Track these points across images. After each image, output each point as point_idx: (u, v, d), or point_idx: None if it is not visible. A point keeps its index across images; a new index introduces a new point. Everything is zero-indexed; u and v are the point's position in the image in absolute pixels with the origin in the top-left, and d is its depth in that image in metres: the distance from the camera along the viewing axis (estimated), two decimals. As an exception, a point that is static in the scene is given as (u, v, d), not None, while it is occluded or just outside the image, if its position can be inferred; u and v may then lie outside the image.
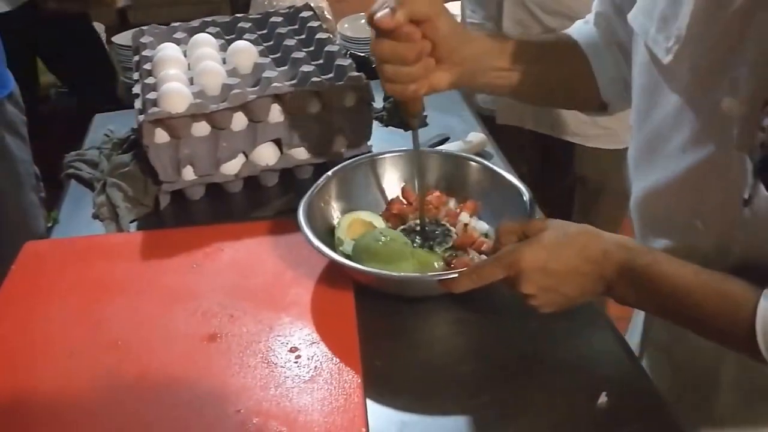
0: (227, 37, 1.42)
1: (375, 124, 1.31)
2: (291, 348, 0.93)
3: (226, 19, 1.48)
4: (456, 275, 0.90)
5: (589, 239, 0.85)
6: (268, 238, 1.12)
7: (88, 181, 1.30)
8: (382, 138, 1.30)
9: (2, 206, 1.72)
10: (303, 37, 1.38)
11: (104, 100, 1.47)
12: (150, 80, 1.24)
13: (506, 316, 0.97)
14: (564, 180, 1.71)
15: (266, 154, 1.24)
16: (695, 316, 0.79)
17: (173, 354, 0.94)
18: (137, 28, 1.46)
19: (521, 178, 1.09)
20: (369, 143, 1.29)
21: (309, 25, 1.39)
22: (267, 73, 1.23)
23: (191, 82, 1.25)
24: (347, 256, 1.02)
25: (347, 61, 1.26)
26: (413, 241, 1.05)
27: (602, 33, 1.03)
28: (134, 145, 1.33)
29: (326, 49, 1.30)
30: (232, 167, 1.24)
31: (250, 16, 1.49)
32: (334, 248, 1.03)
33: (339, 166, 1.14)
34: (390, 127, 1.40)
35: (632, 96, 0.94)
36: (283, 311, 0.99)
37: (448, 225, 1.07)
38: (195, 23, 1.46)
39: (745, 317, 0.74)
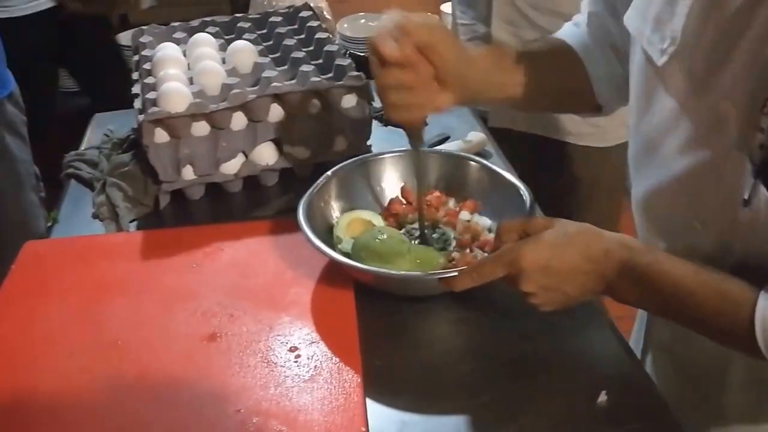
0: (227, 37, 1.42)
1: (374, 123, 1.31)
2: (291, 347, 0.93)
3: (226, 18, 1.48)
4: (456, 273, 0.90)
5: (591, 238, 0.85)
6: (268, 238, 1.12)
7: (87, 180, 1.30)
8: (381, 138, 1.30)
9: (2, 206, 1.72)
10: (302, 36, 1.39)
11: (118, 100, 1.48)
12: (150, 80, 1.24)
13: (506, 316, 0.97)
14: (557, 180, 1.71)
15: (266, 154, 1.24)
16: (696, 316, 0.79)
17: (173, 354, 0.94)
18: (137, 28, 1.46)
19: (531, 184, 1.09)
20: (369, 143, 1.29)
21: (308, 24, 1.39)
22: (266, 73, 1.23)
23: (191, 81, 1.25)
24: (346, 255, 1.02)
25: (347, 61, 1.26)
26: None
27: (594, 33, 1.04)
28: (134, 144, 1.33)
29: (326, 48, 1.30)
30: (232, 167, 1.24)
31: (250, 16, 1.49)
32: (332, 247, 1.03)
33: (339, 165, 1.14)
34: (389, 127, 1.40)
35: (629, 97, 0.93)
36: (283, 311, 0.99)
37: (446, 229, 1.07)
38: (194, 23, 1.46)
39: (744, 316, 0.74)
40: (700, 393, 0.94)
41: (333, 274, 1.03)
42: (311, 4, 1.51)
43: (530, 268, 0.84)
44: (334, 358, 0.91)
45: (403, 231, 1.09)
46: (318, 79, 1.22)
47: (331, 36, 1.36)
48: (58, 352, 0.95)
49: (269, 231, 1.13)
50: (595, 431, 0.84)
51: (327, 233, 1.07)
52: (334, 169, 1.13)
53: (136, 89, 1.28)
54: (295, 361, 0.91)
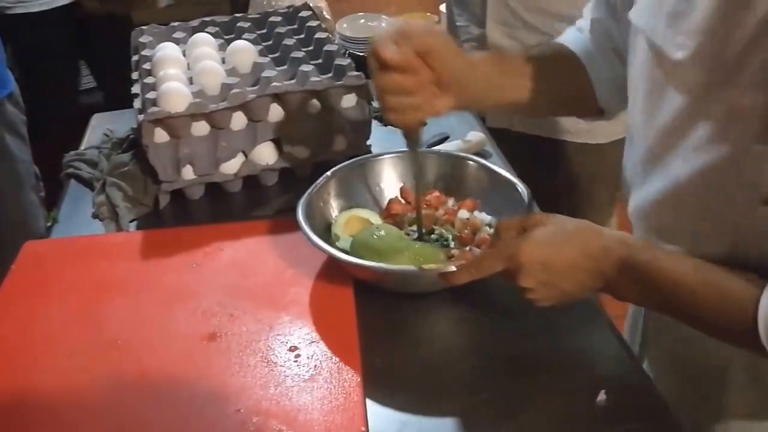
0: (226, 37, 1.42)
1: (374, 123, 1.31)
2: (291, 347, 0.93)
3: (226, 18, 1.48)
4: (455, 268, 0.90)
5: (590, 235, 0.85)
6: (268, 238, 1.12)
7: (87, 180, 1.31)
8: (381, 137, 1.30)
9: (2, 206, 1.72)
10: (302, 36, 1.39)
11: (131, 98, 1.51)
12: (149, 80, 1.24)
13: (506, 315, 0.97)
14: (555, 178, 1.71)
15: (266, 154, 1.24)
16: (696, 313, 0.79)
17: (173, 353, 0.94)
18: (137, 28, 1.46)
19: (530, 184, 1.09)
20: (368, 143, 1.29)
21: (308, 24, 1.40)
22: (266, 73, 1.23)
23: (191, 81, 1.25)
24: (344, 252, 1.02)
25: (346, 61, 1.26)
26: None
27: (597, 39, 1.03)
28: (134, 144, 1.34)
29: (325, 48, 1.30)
30: (232, 166, 1.24)
31: (249, 16, 1.49)
32: (330, 245, 1.03)
33: (338, 165, 1.14)
34: (389, 127, 1.40)
35: (631, 99, 0.92)
36: (283, 310, 0.99)
37: (444, 230, 1.07)
38: (194, 23, 1.46)
39: (746, 314, 0.74)
40: (700, 393, 0.94)
41: (332, 274, 1.03)
42: (311, 4, 1.52)
43: (528, 263, 0.84)
44: (333, 357, 0.91)
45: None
46: (318, 78, 1.22)
47: (330, 36, 1.36)
48: (58, 352, 0.95)
49: (269, 231, 1.13)
50: (594, 430, 0.84)
51: (326, 232, 1.08)
52: (333, 169, 1.13)
53: (135, 89, 1.28)
54: (295, 361, 0.91)
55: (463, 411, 0.87)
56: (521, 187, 1.05)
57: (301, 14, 1.44)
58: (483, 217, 1.08)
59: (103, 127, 1.45)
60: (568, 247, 0.84)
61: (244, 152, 1.24)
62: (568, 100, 1.08)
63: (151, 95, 1.19)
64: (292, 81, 1.24)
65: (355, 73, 1.23)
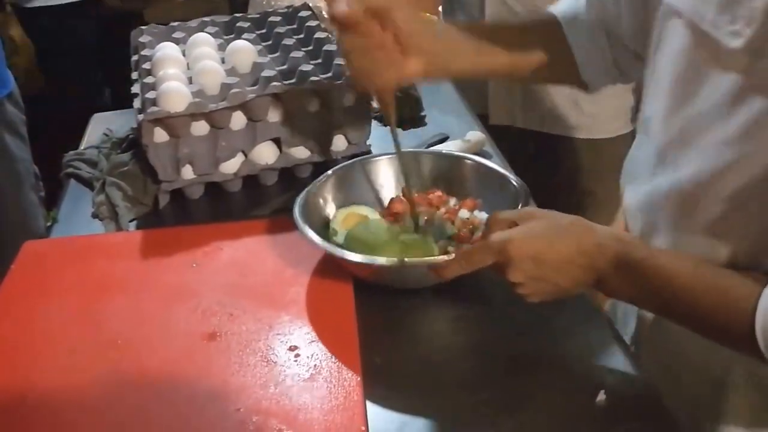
0: (226, 37, 1.43)
1: (374, 123, 1.31)
2: (290, 346, 0.93)
3: (225, 18, 1.49)
4: (444, 260, 0.90)
5: (584, 231, 0.84)
6: (268, 237, 1.12)
7: (87, 180, 1.31)
8: (381, 137, 1.31)
9: (2, 205, 1.72)
10: (301, 36, 1.39)
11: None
12: (149, 79, 1.24)
13: (506, 313, 0.98)
14: (559, 175, 1.72)
15: (265, 153, 1.24)
16: (692, 313, 0.78)
17: (173, 352, 0.94)
18: (137, 28, 1.46)
19: (530, 182, 1.09)
20: (368, 142, 1.29)
21: (307, 24, 1.40)
22: (266, 72, 1.23)
23: (190, 81, 1.25)
24: (340, 246, 1.03)
25: (346, 61, 1.26)
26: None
27: (589, 14, 1.02)
28: (133, 144, 1.34)
29: (325, 48, 1.30)
30: (232, 166, 1.24)
31: (249, 16, 1.49)
32: (328, 240, 1.04)
33: (338, 165, 1.15)
34: (389, 127, 1.40)
35: (652, 87, 0.89)
36: (283, 310, 0.99)
37: (443, 225, 1.07)
38: (194, 23, 1.46)
39: (744, 314, 0.73)
40: (693, 394, 0.93)
41: (332, 273, 1.03)
42: (310, 4, 1.52)
43: (519, 257, 0.83)
44: (333, 356, 0.91)
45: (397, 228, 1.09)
46: (317, 78, 1.22)
47: (330, 36, 1.36)
48: (57, 351, 0.95)
49: (268, 230, 1.14)
50: (593, 429, 0.84)
51: (324, 229, 1.08)
52: (333, 168, 1.14)
53: (135, 89, 1.28)
54: (295, 360, 0.91)
55: (463, 410, 0.87)
56: (520, 185, 1.06)
57: (300, 14, 1.44)
58: (483, 216, 1.08)
59: (102, 127, 1.45)
60: (560, 241, 0.83)
61: (243, 152, 1.24)
62: (543, 67, 1.05)
63: (150, 95, 1.19)
64: (292, 81, 1.24)
65: (355, 72, 1.23)
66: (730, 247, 0.80)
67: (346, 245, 1.02)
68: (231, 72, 1.27)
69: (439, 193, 1.13)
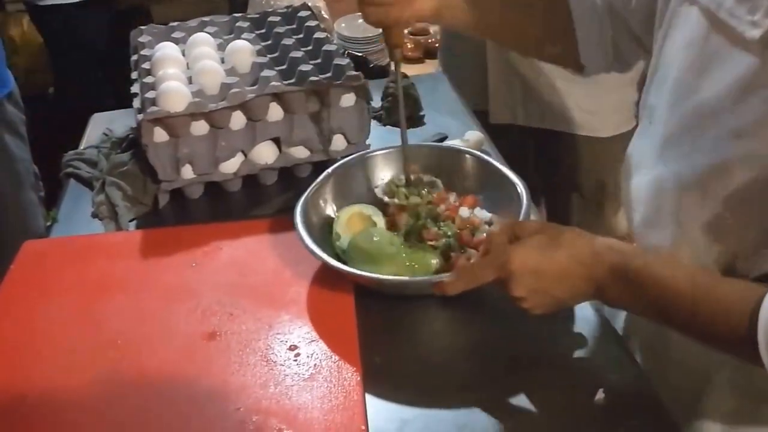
0: (225, 37, 1.43)
1: (373, 123, 1.31)
2: (290, 346, 0.94)
3: (225, 18, 1.49)
4: (447, 278, 0.90)
5: (580, 242, 0.84)
6: (267, 237, 1.13)
7: (87, 180, 1.31)
8: (380, 137, 1.31)
9: (2, 205, 1.72)
10: (301, 36, 1.39)
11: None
12: (149, 79, 1.24)
13: (505, 313, 0.97)
14: (561, 173, 1.72)
15: (265, 153, 1.25)
16: (691, 321, 0.78)
17: (173, 352, 0.94)
18: (136, 28, 1.46)
19: (522, 178, 1.09)
20: (367, 142, 1.29)
21: (307, 24, 1.40)
22: (265, 72, 1.23)
23: (190, 81, 1.25)
24: (344, 251, 1.03)
25: (345, 61, 1.26)
26: (399, 192, 1.07)
27: None
28: (133, 144, 1.34)
29: (324, 48, 1.30)
30: (231, 166, 1.24)
31: (248, 16, 1.50)
32: (331, 243, 1.04)
33: (338, 164, 1.15)
34: (388, 126, 1.40)
35: (659, 76, 0.89)
36: (283, 309, 0.99)
37: (433, 177, 1.07)
38: (193, 23, 1.46)
39: (741, 322, 0.72)
40: (677, 387, 0.93)
41: (332, 273, 1.03)
42: (309, 4, 1.52)
43: (519, 272, 0.83)
44: (333, 356, 0.92)
45: (387, 180, 1.11)
46: (316, 78, 1.22)
47: (329, 36, 1.36)
48: (57, 351, 0.95)
49: (268, 230, 1.14)
50: (592, 428, 0.84)
51: (327, 229, 1.08)
52: (333, 167, 1.14)
53: (135, 88, 1.28)
54: (295, 360, 0.92)
55: (463, 409, 0.87)
56: (519, 183, 1.06)
57: (299, 14, 1.44)
58: (483, 214, 1.08)
59: (102, 127, 1.45)
60: (558, 253, 0.83)
61: (243, 151, 1.24)
62: (548, 42, 1.06)
63: (150, 95, 1.19)
64: (291, 80, 1.24)
65: (354, 72, 1.23)
66: (730, 242, 0.80)
67: (349, 254, 1.03)
68: (230, 72, 1.28)
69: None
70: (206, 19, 1.48)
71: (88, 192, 1.28)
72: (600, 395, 0.86)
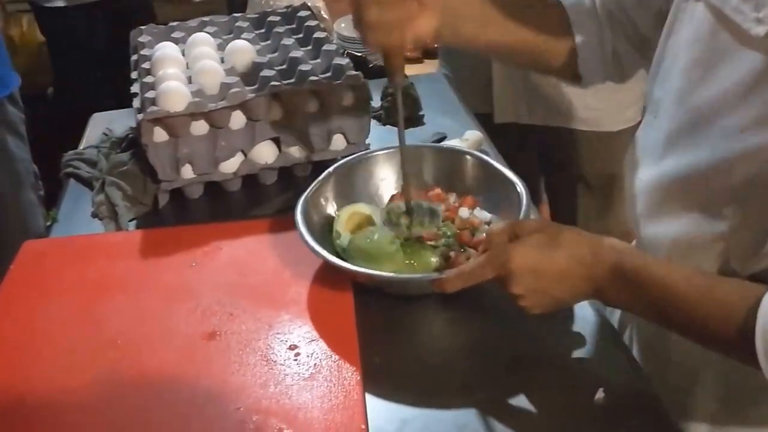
0: (225, 37, 1.43)
1: (373, 123, 1.31)
2: (290, 346, 0.94)
3: (224, 18, 1.49)
4: (446, 276, 0.90)
5: (581, 242, 0.84)
6: (267, 236, 1.13)
7: (86, 180, 1.31)
8: (380, 137, 1.31)
9: (1, 205, 1.72)
10: (301, 36, 1.39)
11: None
12: (149, 79, 1.24)
13: (505, 313, 0.97)
14: (567, 170, 1.72)
15: (265, 153, 1.25)
16: (690, 323, 0.78)
17: (173, 352, 0.94)
18: (136, 28, 1.46)
19: (525, 177, 1.09)
20: (367, 142, 1.29)
21: (306, 24, 1.40)
22: (265, 72, 1.23)
23: (190, 81, 1.25)
24: (344, 250, 1.04)
25: (345, 60, 1.26)
26: (400, 223, 1.05)
27: (601, 1, 1.01)
28: (133, 143, 1.34)
29: (324, 48, 1.30)
30: (231, 166, 1.24)
31: (248, 16, 1.50)
32: (331, 242, 1.04)
33: (338, 163, 1.15)
34: (388, 126, 1.40)
35: (663, 71, 0.89)
36: (282, 309, 0.99)
37: (433, 205, 1.07)
38: (193, 23, 1.47)
39: (739, 323, 0.73)
40: (669, 381, 0.93)
41: (331, 273, 1.03)
42: (308, 4, 1.52)
43: (519, 271, 0.83)
44: (333, 356, 0.92)
45: (387, 206, 1.09)
46: (316, 77, 1.23)
47: (329, 35, 1.36)
48: (57, 351, 0.95)
49: (268, 229, 1.14)
50: (592, 428, 0.84)
51: (327, 228, 1.08)
52: (333, 166, 1.14)
53: (134, 88, 1.28)
54: (295, 359, 0.92)
55: (463, 408, 0.87)
56: (518, 182, 1.06)
57: (299, 14, 1.44)
58: (483, 215, 1.09)
59: (101, 127, 1.45)
60: (558, 253, 0.83)
61: (243, 151, 1.24)
62: (543, 50, 1.04)
63: (150, 94, 1.19)
64: (291, 80, 1.24)
65: (354, 72, 1.23)
66: (729, 240, 0.80)
67: (349, 253, 1.03)
68: (230, 71, 1.28)
69: (438, 190, 1.13)
70: (206, 18, 1.48)
71: (88, 192, 1.28)
72: (600, 395, 0.86)
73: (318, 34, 1.35)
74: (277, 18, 1.44)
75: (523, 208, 1.02)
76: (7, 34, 2.75)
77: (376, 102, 1.37)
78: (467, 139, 1.32)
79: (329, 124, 1.25)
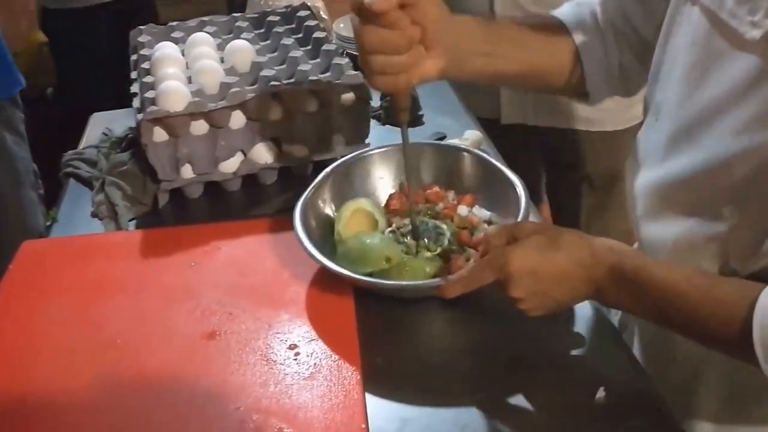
0: (225, 37, 1.43)
1: (372, 122, 1.31)
2: (290, 345, 0.94)
3: (224, 18, 1.49)
4: (446, 281, 0.91)
5: (579, 243, 0.84)
6: (267, 236, 1.12)
7: (86, 179, 1.31)
8: (380, 137, 1.30)
9: (1, 204, 1.72)
10: (300, 36, 1.39)
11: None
12: (148, 79, 1.24)
13: (505, 312, 0.97)
14: (575, 170, 1.72)
15: (264, 153, 1.25)
16: (689, 322, 0.78)
17: (172, 352, 0.94)
18: (135, 28, 1.46)
19: (526, 176, 1.09)
20: (367, 141, 1.29)
21: (306, 24, 1.40)
22: (265, 72, 1.23)
23: (189, 80, 1.25)
24: (343, 254, 1.03)
25: (344, 60, 1.26)
26: (406, 244, 1.05)
27: (604, 16, 1.01)
28: (132, 143, 1.34)
29: (324, 47, 1.30)
30: (231, 165, 1.24)
31: (248, 16, 1.50)
32: (332, 243, 1.04)
33: (337, 162, 1.15)
34: (387, 126, 1.40)
35: (663, 73, 0.89)
36: (282, 309, 0.99)
37: (439, 224, 1.07)
38: (192, 22, 1.47)
39: (739, 321, 0.73)
40: (670, 380, 0.93)
41: (331, 273, 1.03)
42: (308, 4, 1.52)
43: (518, 273, 0.83)
44: (333, 355, 0.92)
45: (393, 227, 1.09)
46: (316, 77, 1.22)
47: (328, 35, 1.36)
48: (57, 351, 0.95)
49: (268, 229, 1.14)
50: (593, 428, 0.84)
51: (327, 228, 1.08)
52: (332, 166, 1.14)
53: (134, 88, 1.28)
54: (295, 359, 0.91)
55: (463, 408, 0.87)
56: (517, 181, 1.06)
57: (299, 14, 1.44)
58: (482, 213, 1.08)
59: (101, 127, 1.45)
60: (557, 255, 0.83)
61: (243, 151, 1.24)
62: (550, 73, 1.04)
63: (149, 94, 1.19)
64: (291, 80, 1.24)
65: (354, 72, 1.23)
66: (728, 240, 0.81)
67: (346, 255, 1.02)
68: (230, 71, 1.28)
69: (436, 188, 1.13)
70: (205, 18, 1.48)
71: (88, 192, 1.28)
72: (601, 395, 0.86)
73: (317, 34, 1.35)
74: (277, 18, 1.44)
75: (522, 207, 1.02)
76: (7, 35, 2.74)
77: (375, 102, 1.37)
78: (467, 138, 1.32)
79: (329, 124, 1.25)
